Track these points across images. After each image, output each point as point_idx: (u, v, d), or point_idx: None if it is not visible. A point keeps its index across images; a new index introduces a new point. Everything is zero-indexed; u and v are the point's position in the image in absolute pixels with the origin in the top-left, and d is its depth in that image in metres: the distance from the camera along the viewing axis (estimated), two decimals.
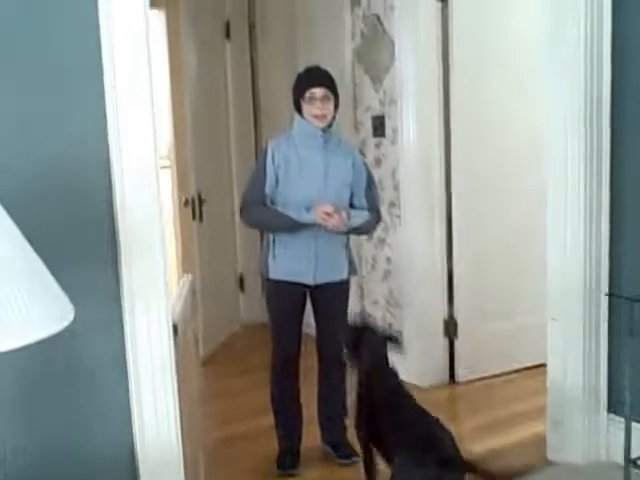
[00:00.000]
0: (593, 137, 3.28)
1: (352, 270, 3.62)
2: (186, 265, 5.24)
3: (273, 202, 3.44)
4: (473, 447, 3.77)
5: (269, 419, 3.69)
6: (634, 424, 3.11)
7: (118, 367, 2.36)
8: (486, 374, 4.71)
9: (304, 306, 3.57)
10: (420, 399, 4.34)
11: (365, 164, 3.61)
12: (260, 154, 3.61)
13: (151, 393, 2.40)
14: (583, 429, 3.46)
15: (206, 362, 5.16)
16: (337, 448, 3.68)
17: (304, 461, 3.62)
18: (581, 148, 3.28)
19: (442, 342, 4.68)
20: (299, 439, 3.65)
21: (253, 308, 5.91)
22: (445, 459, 2.48)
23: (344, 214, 3.33)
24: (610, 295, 3.12)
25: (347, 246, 3.57)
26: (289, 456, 3.58)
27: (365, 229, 3.61)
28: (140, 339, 2.36)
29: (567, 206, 3.35)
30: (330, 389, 3.70)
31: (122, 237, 2.29)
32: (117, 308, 2.33)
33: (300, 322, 3.56)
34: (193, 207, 5.19)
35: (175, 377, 2.47)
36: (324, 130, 3.42)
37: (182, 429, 2.53)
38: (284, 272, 3.49)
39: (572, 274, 3.36)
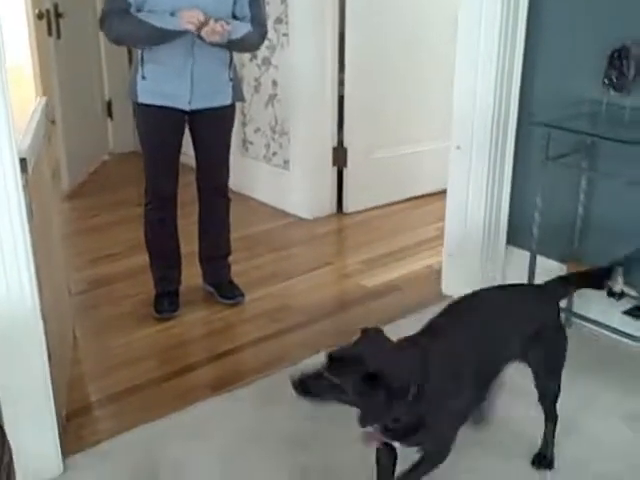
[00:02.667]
0: None
1: (237, 95, 3.16)
2: (45, 89, 4.64)
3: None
4: (364, 281, 3.61)
5: (145, 257, 3.34)
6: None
7: None
8: (377, 204, 4.49)
9: (181, 135, 3.11)
10: (306, 232, 4.20)
11: None
12: None
13: None
14: (481, 261, 3.30)
15: (72, 196, 4.74)
16: (220, 288, 3.40)
17: (184, 303, 3.33)
18: None
19: (330, 171, 4.38)
20: (178, 282, 3.34)
21: (123, 136, 5.43)
22: None
23: (221, 23, 2.79)
24: (532, 124, 2.85)
25: (231, 65, 3.07)
26: (167, 299, 3.27)
27: (247, 44, 3.08)
28: None
29: (481, 26, 2.99)
30: (212, 225, 3.36)
31: None
32: None
33: (177, 154, 3.12)
34: (49, 21, 4.53)
35: (26, 222, 2.07)
36: None
37: (40, 279, 2.17)
38: (155, 95, 2.99)
39: (480, 99, 3.06)
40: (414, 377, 1.84)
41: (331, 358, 1.84)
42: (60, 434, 2.30)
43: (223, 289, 3.40)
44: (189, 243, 3.39)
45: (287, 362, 2.90)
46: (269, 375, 2.82)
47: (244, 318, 3.29)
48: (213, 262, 3.42)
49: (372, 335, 1.90)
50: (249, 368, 2.91)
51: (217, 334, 3.17)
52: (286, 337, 3.13)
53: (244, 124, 4.61)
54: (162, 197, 3.17)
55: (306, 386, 1.84)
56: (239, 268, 3.58)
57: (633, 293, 2.78)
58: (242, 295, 3.39)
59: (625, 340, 2.81)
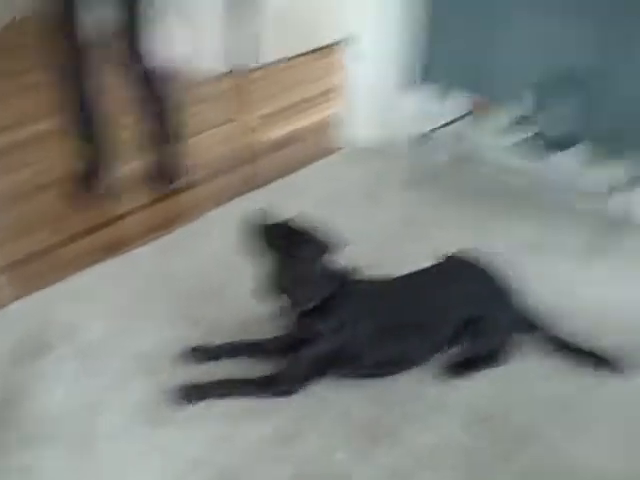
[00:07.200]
0: None
1: None
2: None
3: None
4: (266, 135, 3.50)
5: (39, 127, 3.16)
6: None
7: None
8: (277, 57, 4.31)
9: None
10: (206, 90, 4.01)
11: None
12: None
13: None
14: (379, 106, 3.21)
15: None
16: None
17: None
18: None
19: None
20: None
21: None
22: None
23: None
24: None
25: None
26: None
27: None
28: None
29: None
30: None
31: None
32: None
33: None
34: None
35: None
36: None
37: None
38: None
39: None
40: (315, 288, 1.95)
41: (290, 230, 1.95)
42: None
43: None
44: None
45: (191, 217, 2.84)
46: (172, 231, 2.75)
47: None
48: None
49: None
50: (150, 227, 2.81)
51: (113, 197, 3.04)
52: (187, 193, 3.04)
53: None
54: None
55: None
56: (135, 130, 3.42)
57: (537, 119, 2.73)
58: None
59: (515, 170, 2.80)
